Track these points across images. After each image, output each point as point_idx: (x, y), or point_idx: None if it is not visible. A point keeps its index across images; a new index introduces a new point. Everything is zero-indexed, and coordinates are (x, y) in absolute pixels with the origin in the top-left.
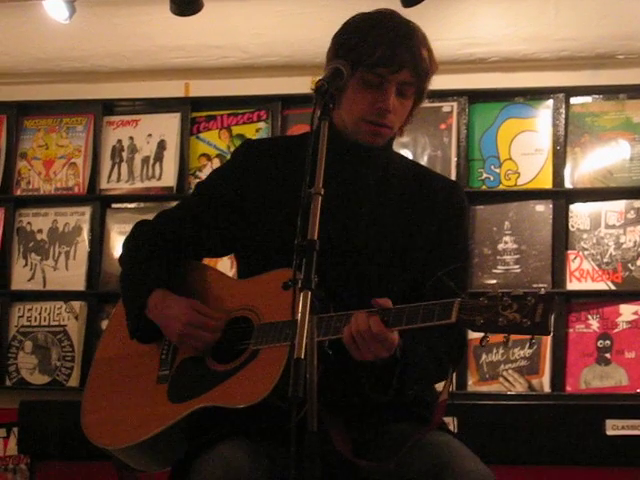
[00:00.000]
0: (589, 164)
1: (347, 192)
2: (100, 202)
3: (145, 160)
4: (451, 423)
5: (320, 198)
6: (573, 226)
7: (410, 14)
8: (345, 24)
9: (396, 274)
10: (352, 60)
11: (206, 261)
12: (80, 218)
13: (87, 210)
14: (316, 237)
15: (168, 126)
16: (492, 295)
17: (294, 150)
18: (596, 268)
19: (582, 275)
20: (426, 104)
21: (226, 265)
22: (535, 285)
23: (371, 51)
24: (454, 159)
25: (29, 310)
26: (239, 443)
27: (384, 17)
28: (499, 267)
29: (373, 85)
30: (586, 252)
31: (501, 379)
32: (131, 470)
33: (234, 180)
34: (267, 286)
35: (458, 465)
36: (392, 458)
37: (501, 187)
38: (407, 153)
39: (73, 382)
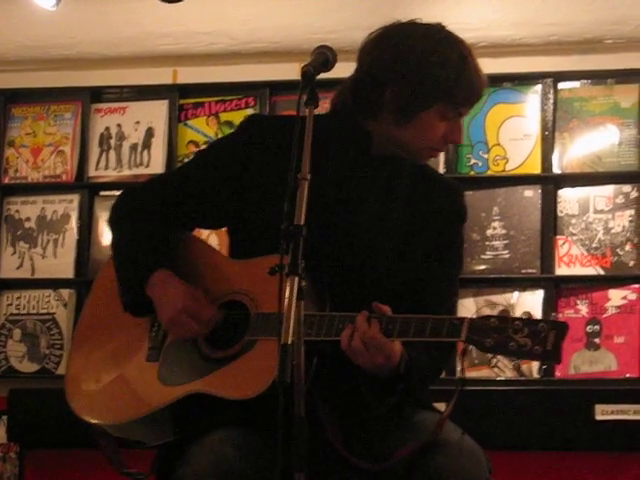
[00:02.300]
0: (577, 149)
1: (353, 187)
2: (88, 190)
3: (133, 147)
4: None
5: (307, 183)
6: (562, 211)
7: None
8: (419, 40)
9: (395, 272)
10: (435, 94)
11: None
12: (68, 206)
13: (75, 198)
14: (303, 223)
15: (156, 113)
16: (503, 317)
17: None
18: (585, 253)
19: (571, 260)
20: None
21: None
22: (524, 270)
23: (460, 92)
24: None
25: (18, 298)
26: (228, 434)
27: (461, 46)
28: (488, 252)
29: (448, 120)
30: (575, 237)
31: (490, 364)
32: (112, 439)
33: (239, 153)
34: (265, 271)
35: (451, 442)
36: (383, 455)
37: (489, 173)
38: None
39: (62, 370)
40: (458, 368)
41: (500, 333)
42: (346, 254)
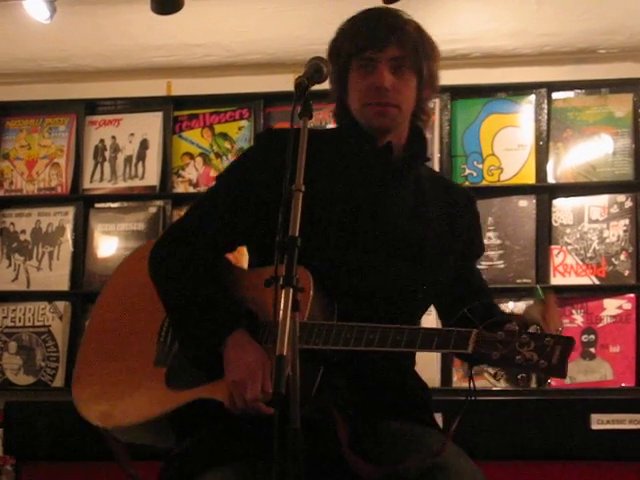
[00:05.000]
0: (572, 159)
1: (383, 207)
2: (83, 202)
3: (128, 159)
4: (437, 419)
5: (301, 195)
6: (556, 221)
7: None
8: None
9: (429, 278)
10: (344, 56)
11: None
12: (63, 218)
13: (70, 210)
14: (297, 234)
15: (150, 125)
16: (510, 330)
17: (324, 144)
18: (580, 263)
19: (566, 270)
20: None
21: None
22: (519, 280)
23: (355, 38)
24: (437, 155)
25: (13, 311)
26: (225, 472)
27: (368, 9)
28: (483, 263)
29: (368, 71)
30: (570, 247)
31: (486, 374)
32: (121, 443)
33: (259, 173)
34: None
35: (452, 465)
36: (386, 465)
37: (484, 183)
38: None
39: (58, 382)
40: (454, 378)
41: (506, 346)
42: (380, 263)
